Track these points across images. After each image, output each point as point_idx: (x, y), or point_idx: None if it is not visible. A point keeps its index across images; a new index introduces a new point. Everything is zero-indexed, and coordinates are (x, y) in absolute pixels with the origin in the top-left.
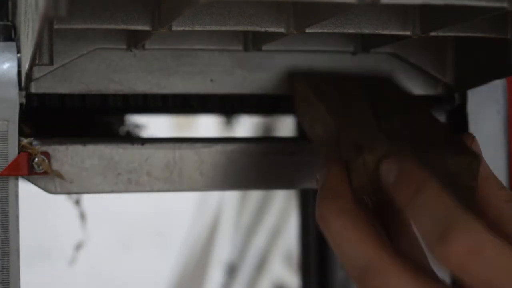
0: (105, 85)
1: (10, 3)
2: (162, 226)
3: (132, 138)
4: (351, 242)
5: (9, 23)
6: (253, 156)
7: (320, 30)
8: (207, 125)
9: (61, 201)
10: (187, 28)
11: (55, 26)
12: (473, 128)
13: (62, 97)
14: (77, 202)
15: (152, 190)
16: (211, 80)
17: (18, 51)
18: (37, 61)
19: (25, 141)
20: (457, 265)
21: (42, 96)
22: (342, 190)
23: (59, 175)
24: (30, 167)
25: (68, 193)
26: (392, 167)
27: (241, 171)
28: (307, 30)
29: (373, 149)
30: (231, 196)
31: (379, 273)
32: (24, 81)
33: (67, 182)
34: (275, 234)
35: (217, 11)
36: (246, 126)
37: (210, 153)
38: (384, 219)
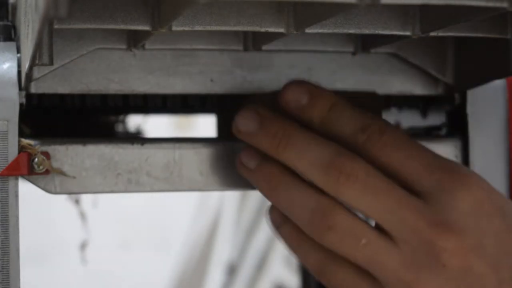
0: (105, 85)
1: (10, 3)
2: (162, 226)
3: (132, 138)
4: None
5: (9, 23)
6: None
7: (320, 30)
8: (207, 125)
9: (61, 201)
10: (187, 28)
11: (55, 26)
12: (473, 128)
13: (62, 97)
14: (77, 202)
15: (152, 190)
16: (211, 80)
17: (18, 51)
18: (37, 61)
19: (25, 141)
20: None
21: (42, 96)
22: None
23: (61, 172)
24: (30, 167)
25: (68, 193)
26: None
27: None
28: (307, 30)
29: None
30: (231, 196)
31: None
32: (24, 81)
33: (67, 182)
34: None
35: (217, 11)
36: None
37: (210, 153)
38: None
